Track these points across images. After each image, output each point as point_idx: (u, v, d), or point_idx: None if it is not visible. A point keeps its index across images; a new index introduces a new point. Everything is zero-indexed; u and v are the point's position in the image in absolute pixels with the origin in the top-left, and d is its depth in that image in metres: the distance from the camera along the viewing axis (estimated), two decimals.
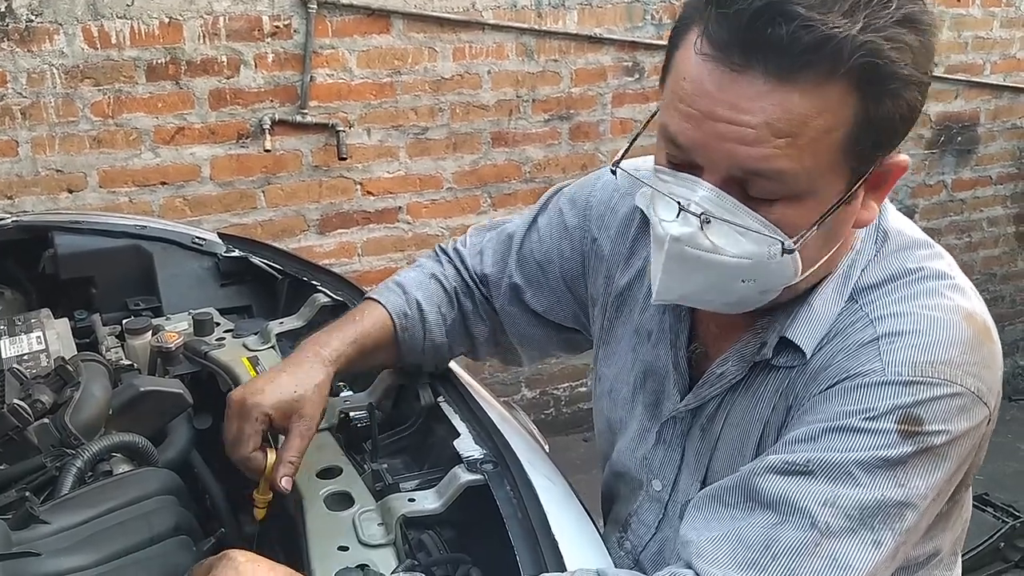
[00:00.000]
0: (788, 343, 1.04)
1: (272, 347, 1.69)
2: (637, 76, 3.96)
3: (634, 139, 1.12)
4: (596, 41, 3.82)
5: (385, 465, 1.35)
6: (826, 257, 1.00)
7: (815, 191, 0.91)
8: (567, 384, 4.34)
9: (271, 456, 1.21)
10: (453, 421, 1.36)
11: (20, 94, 3.09)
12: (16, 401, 1.35)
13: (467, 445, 1.28)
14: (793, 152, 0.87)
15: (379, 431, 1.44)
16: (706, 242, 0.93)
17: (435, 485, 1.26)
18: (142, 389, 1.51)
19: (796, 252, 0.93)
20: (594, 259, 1.33)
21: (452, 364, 1.58)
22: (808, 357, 1.02)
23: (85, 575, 1.09)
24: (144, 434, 1.54)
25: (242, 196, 3.50)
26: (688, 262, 0.95)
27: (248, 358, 1.65)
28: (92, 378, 1.46)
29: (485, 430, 1.30)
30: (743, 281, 0.96)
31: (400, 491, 1.29)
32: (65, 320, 1.84)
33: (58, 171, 3.22)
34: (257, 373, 1.59)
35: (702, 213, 0.91)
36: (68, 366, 1.45)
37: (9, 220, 2.04)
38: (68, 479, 1.28)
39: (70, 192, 3.26)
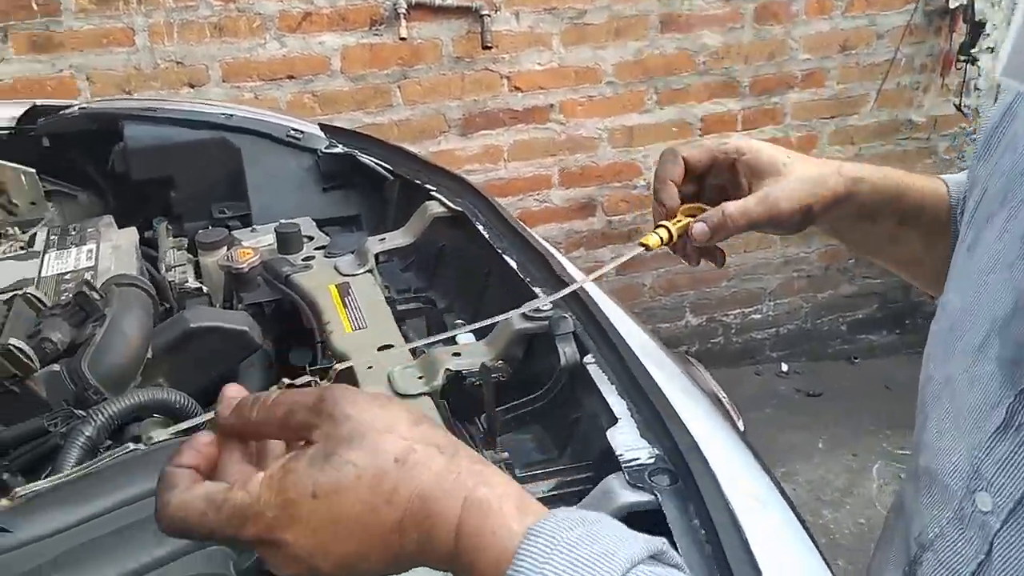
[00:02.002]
0: None
1: (370, 271, 1.28)
2: None
3: None
4: None
5: (506, 455, 0.92)
6: None
7: None
8: (739, 310, 3.80)
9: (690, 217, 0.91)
10: (608, 397, 0.90)
11: None
12: (13, 341, 0.99)
13: (629, 439, 0.82)
14: None
15: (502, 396, 1.01)
16: None
17: (579, 495, 0.82)
18: (192, 325, 1.14)
19: None
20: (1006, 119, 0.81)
21: (607, 300, 1.12)
22: None
23: None
24: (201, 383, 1.18)
25: (376, 92, 3.10)
26: None
27: (337, 285, 1.25)
28: (123, 310, 1.10)
29: (656, 414, 0.84)
30: None
31: None
32: (132, 230, 1.49)
33: (178, 63, 2.92)
34: (344, 306, 1.19)
35: None
36: (90, 292, 1.08)
37: (76, 107, 1.71)
38: (71, 454, 0.92)
39: (192, 87, 2.96)
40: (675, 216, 0.91)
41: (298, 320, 1.30)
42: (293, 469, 0.53)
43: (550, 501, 0.90)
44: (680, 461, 0.78)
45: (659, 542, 0.52)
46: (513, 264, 1.16)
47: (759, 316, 3.84)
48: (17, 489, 0.47)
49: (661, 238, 0.90)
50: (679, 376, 0.98)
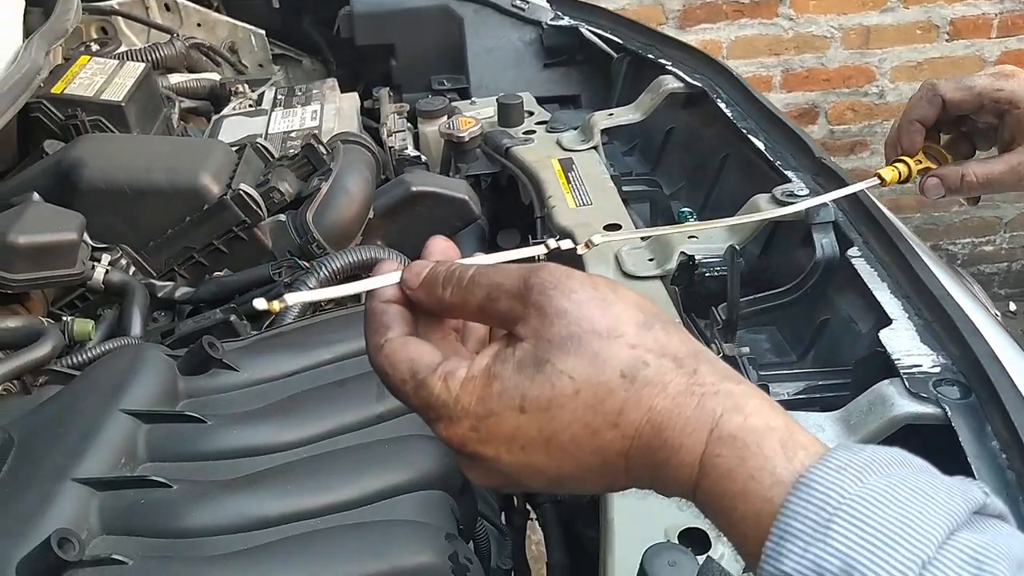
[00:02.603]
0: None
1: (594, 147, 1.20)
2: None
3: None
4: None
5: (747, 350, 0.82)
6: None
7: None
8: (969, 239, 3.45)
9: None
10: (879, 296, 0.78)
11: None
12: (244, 187, 0.99)
13: (907, 343, 0.70)
14: None
15: (743, 291, 0.91)
16: None
17: (835, 403, 0.72)
18: (413, 189, 1.10)
19: None
20: None
21: (867, 192, 0.98)
22: None
23: (273, 462, 0.71)
24: (418, 249, 1.14)
25: None
26: None
27: (560, 160, 1.17)
28: (349, 167, 1.07)
29: (943, 318, 0.71)
30: None
31: None
32: (354, 95, 1.48)
33: None
34: (568, 181, 1.11)
35: None
36: (319, 146, 1.06)
37: None
38: (293, 307, 0.91)
39: None
40: (914, 154, 0.86)
41: (513, 197, 1.24)
42: (498, 375, 0.43)
43: (796, 404, 0.80)
44: (974, 373, 0.66)
45: (979, 491, 0.38)
46: (760, 145, 1.04)
47: (991, 248, 3.47)
48: (286, 295, 0.42)
49: (900, 173, 0.86)
50: (959, 284, 0.84)
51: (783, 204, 0.91)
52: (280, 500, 0.68)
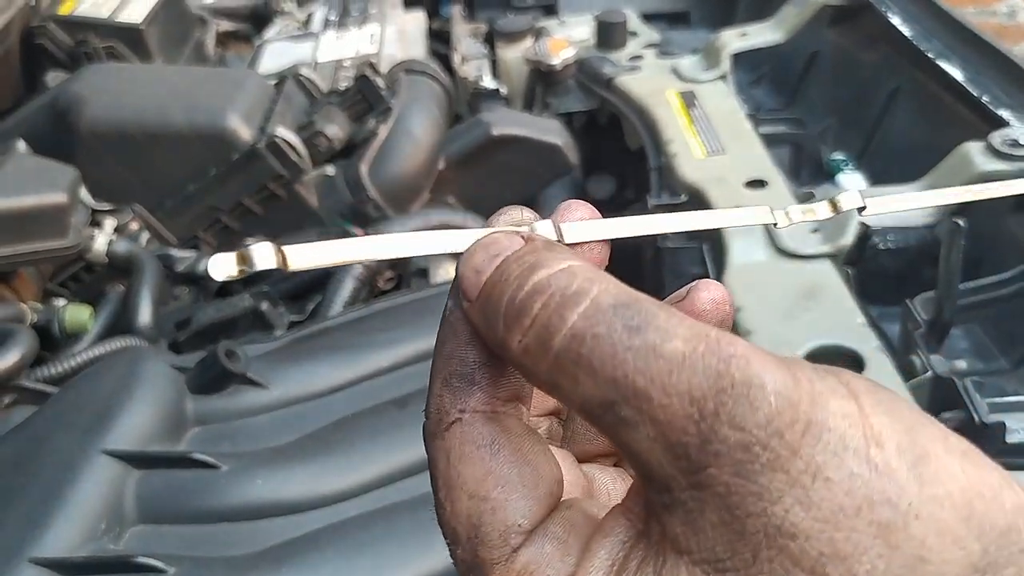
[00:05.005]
0: None
1: (722, 77, 0.95)
2: None
3: None
4: None
5: (963, 365, 0.59)
6: None
7: None
8: None
9: None
10: None
11: None
12: (281, 132, 0.77)
13: None
14: None
15: (925, 273, 0.67)
16: None
17: None
18: (494, 132, 0.87)
19: None
20: None
21: None
22: None
23: (310, 524, 0.51)
24: (499, 207, 0.92)
25: None
26: None
27: (681, 93, 0.93)
28: (414, 105, 0.85)
29: None
30: None
31: (987, 429, 0.54)
32: (420, 14, 1.25)
33: None
34: (692, 119, 0.87)
35: None
36: (374, 79, 0.84)
37: None
38: (345, 286, 0.71)
39: None
40: None
41: (612, 139, 1.01)
42: None
43: None
44: None
45: None
46: (957, 74, 0.78)
47: None
48: (285, 249, 0.17)
49: None
50: None
51: (1003, 156, 0.66)
52: None
